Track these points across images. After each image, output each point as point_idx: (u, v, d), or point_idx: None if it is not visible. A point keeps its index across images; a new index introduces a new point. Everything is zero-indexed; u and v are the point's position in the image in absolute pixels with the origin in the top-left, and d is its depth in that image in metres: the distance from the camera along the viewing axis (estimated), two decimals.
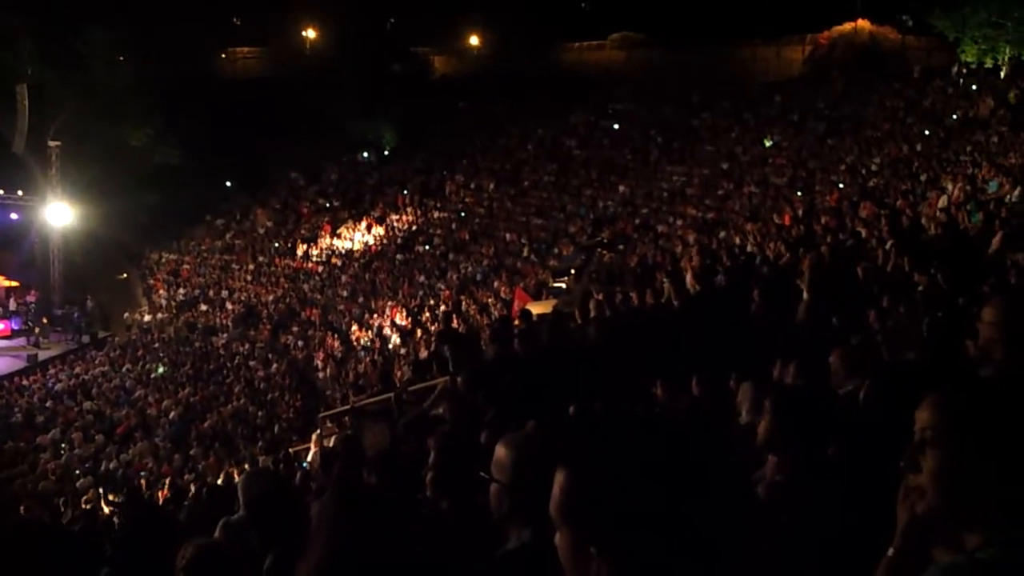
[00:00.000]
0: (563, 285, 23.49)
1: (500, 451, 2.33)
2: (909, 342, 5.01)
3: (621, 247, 26.96)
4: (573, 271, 24.57)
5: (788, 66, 44.75)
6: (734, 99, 39.38)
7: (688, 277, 11.93)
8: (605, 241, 27.93)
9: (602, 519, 1.23)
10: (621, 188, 34.85)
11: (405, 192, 42.55)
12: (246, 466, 17.28)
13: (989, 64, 32.55)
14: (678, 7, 48.05)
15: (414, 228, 39.05)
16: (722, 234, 22.57)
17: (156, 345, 32.32)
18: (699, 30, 46.26)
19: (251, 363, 29.10)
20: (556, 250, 30.57)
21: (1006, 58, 32.14)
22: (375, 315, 30.57)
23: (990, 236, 10.11)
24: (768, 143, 32.85)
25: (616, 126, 42.15)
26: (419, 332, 26.93)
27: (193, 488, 15.50)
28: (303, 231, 42.26)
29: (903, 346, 4.81)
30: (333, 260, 38.51)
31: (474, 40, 56.74)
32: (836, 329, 6.85)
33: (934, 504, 1.55)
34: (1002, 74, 30.46)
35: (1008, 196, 13.27)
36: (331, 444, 12.54)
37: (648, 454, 1.27)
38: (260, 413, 23.82)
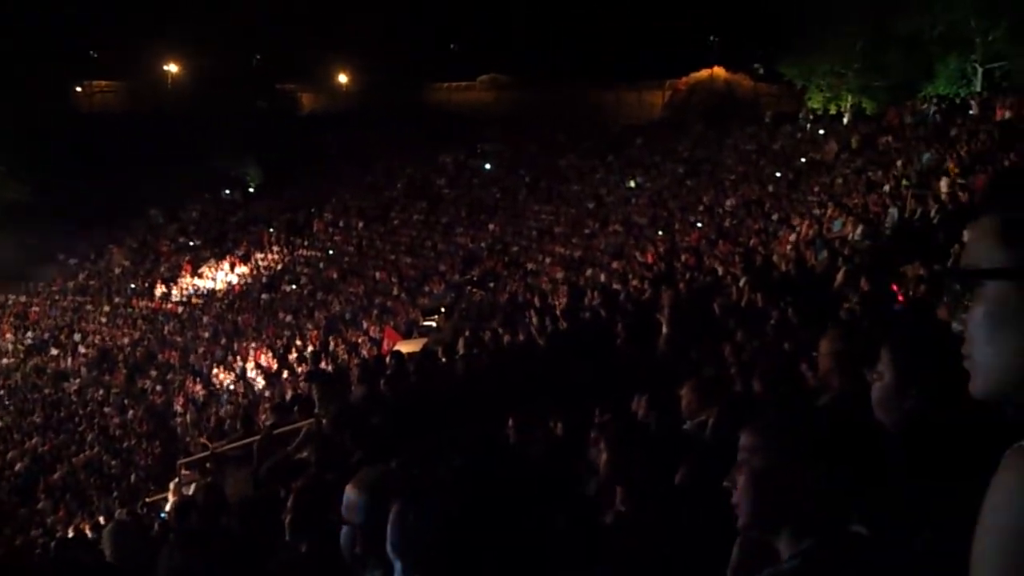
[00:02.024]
0: (434, 323, 23.40)
1: (350, 493, 2.28)
2: (760, 374, 5.22)
3: (491, 285, 27.14)
4: (444, 309, 24.55)
5: (649, 110, 46.56)
6: (598, 141, 40.53)
7: (557, 314, 12.12)
8: (475, 279, 28.08)
9: (430, 553, 1.24)
10: (491, 226, 35.18)
11: (271, 230, 41.67)
12: (100, 519, 16.35)
13: (833, 110, 34.80)
14: (545, 51, 49.39)
15: (280, 267, 38.22)
16: (588, 271, 23.06)
17: (1, 392, 30.32)
18: (564, 74, 47.64)
19: (106, 409, 27.69)
20: (426, 288, 30.48)
21: (848, 105, 34.44)
22: (238, 357, 29.64)
23: (835, 272, 10.69)
24: (632, 184, 33.90)
25: (487, 166, 42.66)
26: (285, 374, 26.27)
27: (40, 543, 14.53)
28: (162, 270, 40.66)
29: (754, 377, 5.00)
30: (194, 300, 37.21)
31: (343, 78, 56.51)
32: (693, 361, 7.08)
33: (745, 518, 1.65)
34: (845, 120, 32.54)
35: (851, 234, 14.09)
36: (190, 492, 12.00)
37: (481, 490, 1.30)
38: (115, 462, 22.64)
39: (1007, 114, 21.99)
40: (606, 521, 2.51)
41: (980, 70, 30.90)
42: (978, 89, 30.06)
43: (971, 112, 24.75)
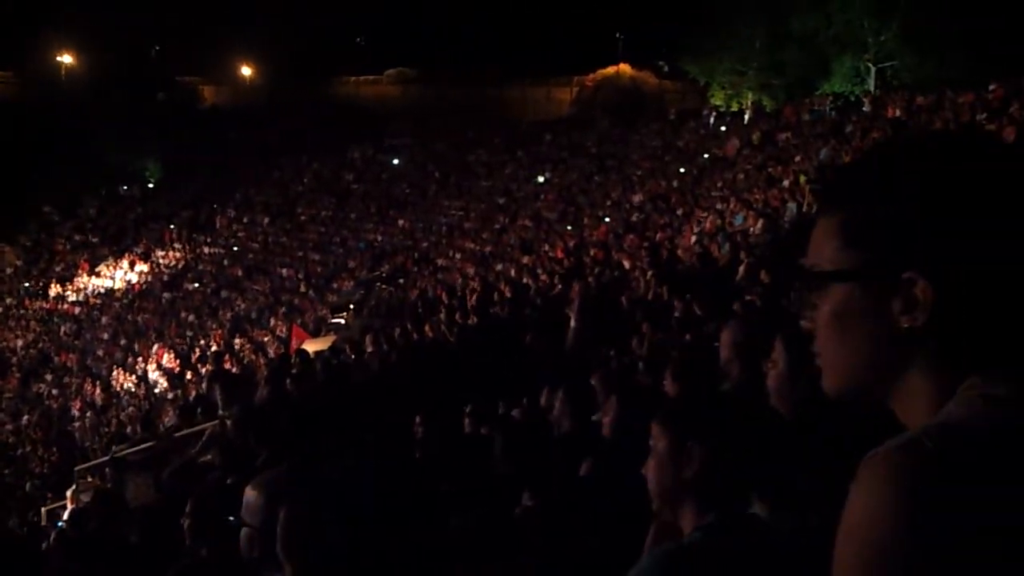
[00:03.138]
0: (342, 321, 23.12)
1: (249, 494, 2.23)
2: (665, 365, 5.31)
3: (401, 281, 26.97)
4: (353, 306, 24.26)
5: (557, 106, 46.93)
6: (507, 137, 40.68)
7: (468, 309, 12.12)
8: (384, 275, 27.85)
9: (318, 556, 1.23)
10: (400, 222, 34.96)
11: (172, 227, 40.57)
12: None
13: (735, 108, 35.72)
14: (453, 46, 49.26)
15: (182, 265, 37.23)
16: (499, 266, 23.12)
17: None
18: (473, 68, 47.63)
19: None
20: (335, 285, 30.11)
21: (749, 102, 35.40)
22: (140, 358, 28.74)
23: (737, 265, 10.97)
24: (541, 179, 34.14)
25: (396, 161, 42.34)
26: (189, 375, 25.58)
27: None
28: (57, 270, 39.12)
29: (659, 369, 5.09)
30: (92, 300, 35.92)
31: (246, 71, 55.22)
32: (601, 354, 7.17)
33: (654, 499, 1.73)
34: (746, 117, 33.42)
35: (752, 228, 14.49)
36: (89, 499, 11.59)
37: (375, 490, 1.30)
38: (8, 470, 21.71)
39: (897, 112, 22.92)
40: (514, 515, 2.52)
41: (873, 69, 32.12)
42: (871, 87, 31.25)
43: (865, 109, 25.71)
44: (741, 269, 10.58)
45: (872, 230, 0.86)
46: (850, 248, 0.87)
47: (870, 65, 32.15)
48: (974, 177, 0.83)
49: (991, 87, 21.07)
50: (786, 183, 18.52)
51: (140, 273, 37.45)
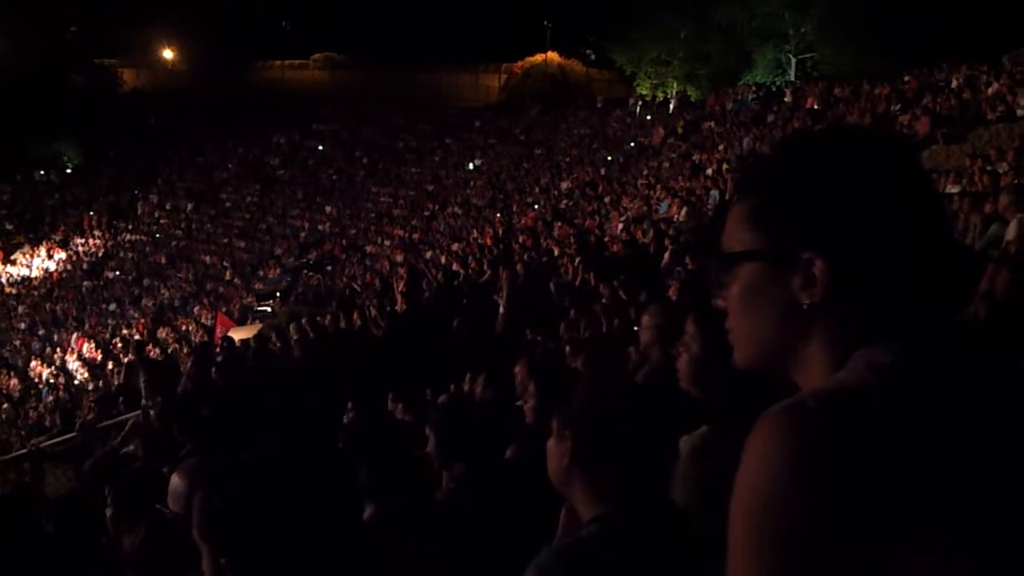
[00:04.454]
0: (269, 309, 22.79)
1: (175, 481, 2.23)
2: (591, 350, 5.39)
3: (329, 268, 26.69)
4: (279, 294, 23.93)
5: (486, 93, 46.81)
6: (435, 123, 40.48)
7: (396, 296, 12.08)
8: (312, 262, 27.53)
9: (229, 535, 1.26)
10: (328, 209, 34.56)
11: (92, 213, 39.42)
12: None
13: (660, 97, 36.19)
14: (379, 30, 48.71)
15: (102, 252, 36.24)
16: (428, 253, 23.05)
17: None
18: (400, 53, 47.17)
19: None
20: (261, 273, 29.63)
21: (674, 92, 35.91)
22: (59, 348, 27.89)
23: (662, 251, 11.17)
24: (471, 166, 34.10)
25: (320, 147, 41.78)
26: (111, 364, 24.91)
27: None
28: None
29: (585, 354, 5.16)
30: (7, 289, 34.69)
31: (168, 53, 53.72)
32: (529, 340, 7.24)
33: (559, 488, 1.75)
34: (671, 106, 33.89)
35: (676, 216, 14.74)
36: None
37: (290, 475, 1.32)
38: None
39: (815, 103, 23.51)
40: (437, 499, 2.56)
41: (793, 60, 32.89)
42: (792, 78, 32.00)
43: (785, 100, 26.31)
44: (666, 255, 10.77)
45: (775, 215, 0.95)
46: (756, 231, 0.96)
47: (791, 57, 32.91)
48: (864, 168, 0.92)
49: (905, 79, 21.78)
50: (709, 171, 18.87)
51: (59, 261, 36.40)
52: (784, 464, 0.80)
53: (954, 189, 10.74)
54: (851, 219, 0.89)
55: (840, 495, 0.78)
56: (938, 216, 0.95)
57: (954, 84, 19.36)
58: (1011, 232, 6.65)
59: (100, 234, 37.56)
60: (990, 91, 17.21)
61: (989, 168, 11.05)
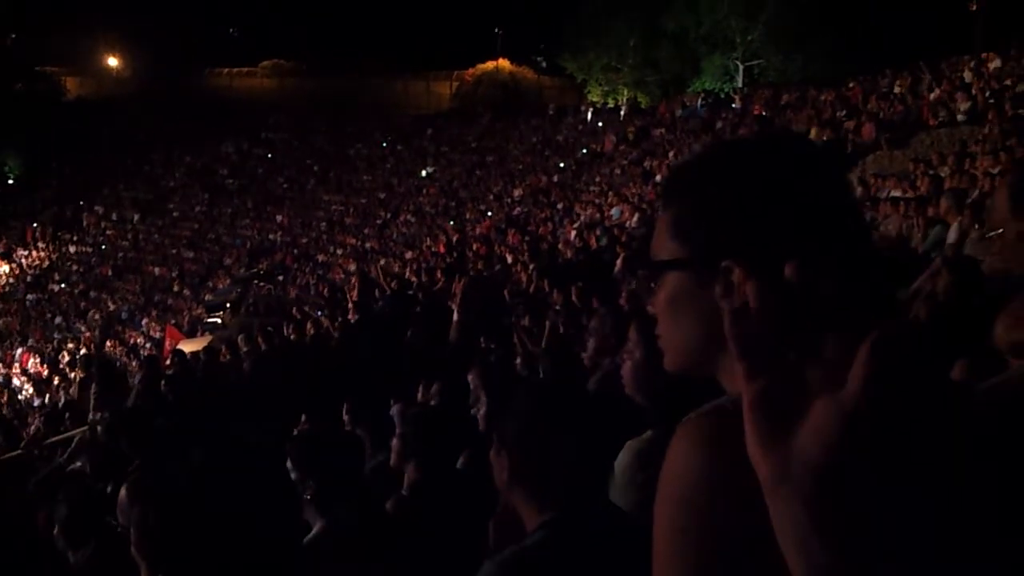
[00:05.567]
0: (219, 320, 22.45)
1: (122, 495, 2.19)
2: (544, 357, 5.40)
3: (280, 278, 26.41)
4: (229, 305, 23.60)
5: (438, 100, 46.75)
6: (387, 130, 40.33)
7: (349, 306, 11.97)
8: (262, 272, 27.21)
9: (165, 551, 1.24)
10: (279, 218, 34.22)
11: (35, 225, 38.62)
12: None
13: (611, 104, 36.48)
14: (329, 37, 48.44)
15: (47, 264, 35.51)
16: (382, 262, 22.94)
17: None
18: (351, 61, 46.94)
19: None
20: (210, 284, 29.23)
21: (624, 99, 36.21)
22: (2, 363, 27.23)
23: (614, 257, 11.22)
24: (423, 174, 34.03)
25: (270, 155, 41.39)
26: (56, 380, 24.38)
27: None
28: None
29: (538, 361, 5.17)
30: None
31: (113, 61, 52.84)
32: (483, 348, 7.23)
33: (505, 497, 1.77)
34: (622, 113, 34.16)
35: (628, 222, 14.85)
36: None
37: (225, 487, 1.30)
38: None
39: (763, 110, 23.89)
40: (388, 508, 2.54)
41: (741, 67, 33.35)
42: (740, 85, 32.46)
43: (734, 106, 26.69)
44: (619, 262, 10.82)
45: (695, 224, 0.98)
46: (678, 241, 0.99)
47: (738, 63, 33.37)
48: (779, 176, 0.95)
49: (850, 85, 22.22)
50: (660, 178, 19.04)
51: (1, 274, 35.54)
52: (701, 466, 0.84)
53: (897, 193, 10.96)
54: (765, 227, 0.92)
55: (747, 495, 0.80)
56: (854, 221, 0.97)
57: (897, 90, 19.79)
58: (952, 235, 6.81)
59: (44, 246, 36.83)
60: (932, 96, 17.63)
61: (931, 172, 11.31)
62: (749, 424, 0.80)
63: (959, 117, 15.65)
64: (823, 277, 0.89)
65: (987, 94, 16.07)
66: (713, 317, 0.93)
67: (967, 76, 18.47)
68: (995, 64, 18.45)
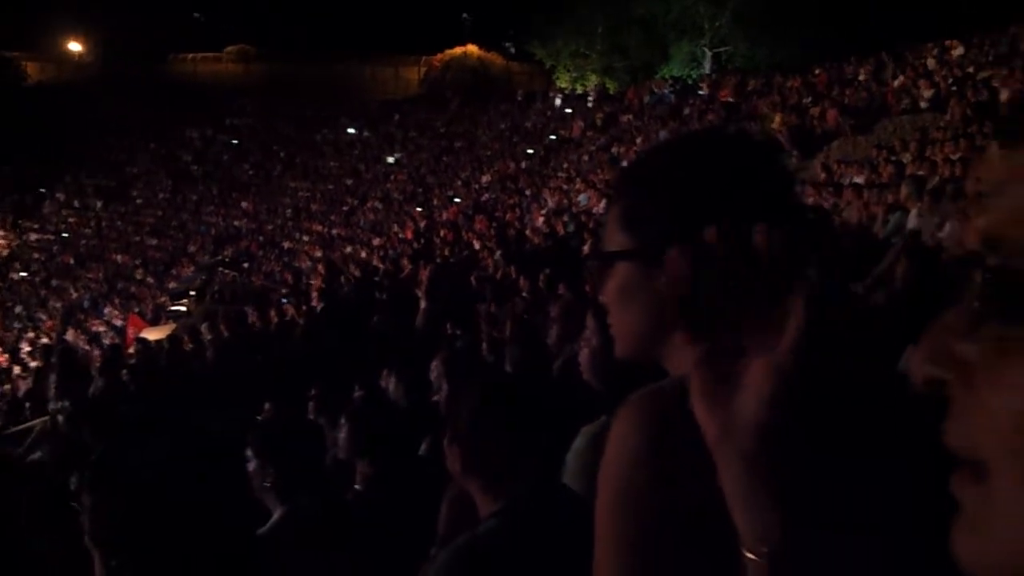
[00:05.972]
0: (183, 308, 22.20)
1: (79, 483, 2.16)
2: (511, 345, 5.39)
3: (245, 265, 26.17)
4: (194, 292, 23.34)
5: (406, 85, 46.51)
6: (354, 116, 40.05)
7: (313, 293, 11.89)
8: (227, 260, 26.95)
9: (119, 540, 1.24)
10: (244, 204, 33.89)
11: None
12: None
13: (580, 90, 36.46)
14: (295, 22, 47.98)
15: (7, 252, 34.97)
16: (348, 249, 22.79)
17: None
18: (317, 46, 46.53)
19: None
20: (174, 271, 28.91)
21: (593, 85, 36.20)
22: None
23: (582, 244, 11.25)
24: (391, 160, 33.84)
25: (235, 141, 40.95)
26: (17, 370, 24.02)
27: None
28: None
29: (504, 348, 5.16)
30: None
31: (75, 45, 51.90)
32: (449, 335, 7.20)
33: (461, 484, 1.79)
34: (590, 100, 34.16)
35: (596, 207, 14.88)
36: None
37: (182, 479, 1.29)
38: None
39: (730, 96, 23.98)
40: (347, 498, 2.52)
41: (709, 53, 33.46)
42: (707, 71, 32.56)
43: (701, 92, 26.76)
44: (586, 248, 10.84)
45: (641, 216, 1.02)
46: (626, 232, 1.03)
47: (706, 50, 33.47)
48: (719, 170, 0.99)
49: (816, 71, 22.38)
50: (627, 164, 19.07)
51: None
52: (640, 445, 0.87)
53: (860, 180, 11.08)
54: (706, 219, 0.94)
55: (680, 475, 0.83)
56: (795, 212, 1.02)
57: (862, 77, 19.96)
58: (911, 221, 6.89)
59: (4, 234, 36.32)
60: (896, 83, 17.79)
61: (893, 159, 11.43)
62: (696, 386, 0.82)
63: (922, 104, 15.81)
64: (763, 252, 0.90)
65: (950, 81, 16.25)
66: (660, 305, 0.97)
67: (930, 64, 18.65)
68: (958, 52, 18.66)
